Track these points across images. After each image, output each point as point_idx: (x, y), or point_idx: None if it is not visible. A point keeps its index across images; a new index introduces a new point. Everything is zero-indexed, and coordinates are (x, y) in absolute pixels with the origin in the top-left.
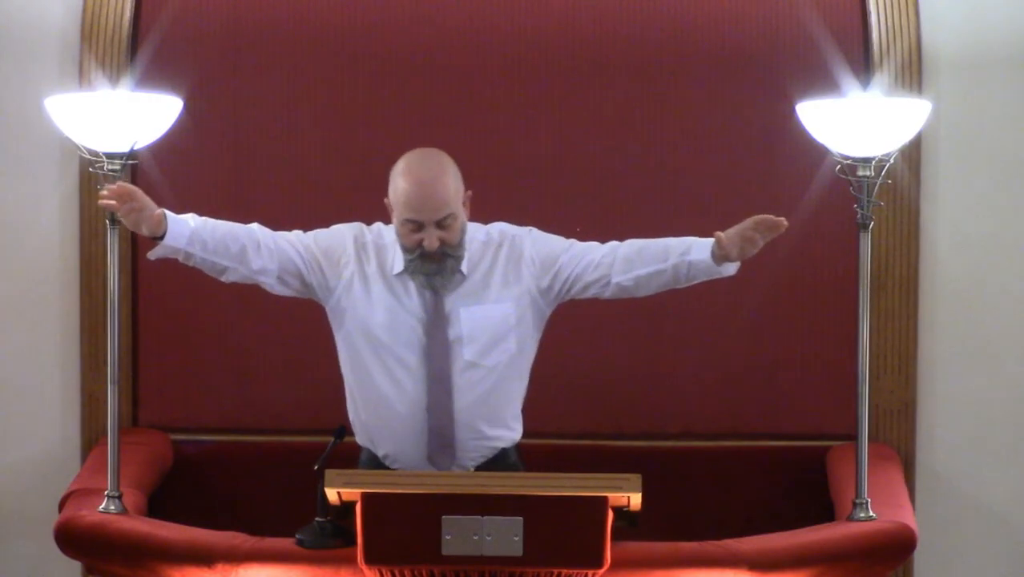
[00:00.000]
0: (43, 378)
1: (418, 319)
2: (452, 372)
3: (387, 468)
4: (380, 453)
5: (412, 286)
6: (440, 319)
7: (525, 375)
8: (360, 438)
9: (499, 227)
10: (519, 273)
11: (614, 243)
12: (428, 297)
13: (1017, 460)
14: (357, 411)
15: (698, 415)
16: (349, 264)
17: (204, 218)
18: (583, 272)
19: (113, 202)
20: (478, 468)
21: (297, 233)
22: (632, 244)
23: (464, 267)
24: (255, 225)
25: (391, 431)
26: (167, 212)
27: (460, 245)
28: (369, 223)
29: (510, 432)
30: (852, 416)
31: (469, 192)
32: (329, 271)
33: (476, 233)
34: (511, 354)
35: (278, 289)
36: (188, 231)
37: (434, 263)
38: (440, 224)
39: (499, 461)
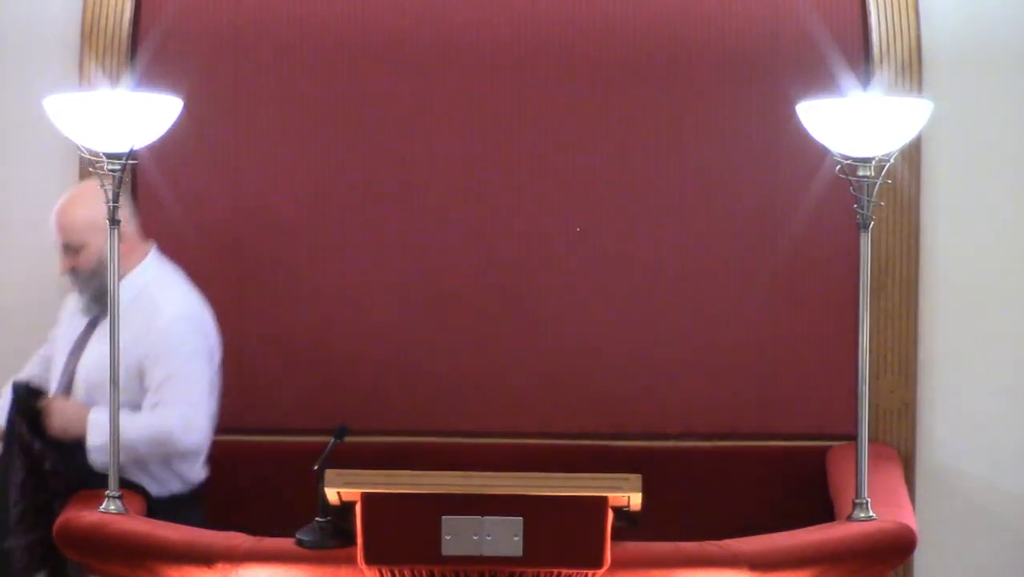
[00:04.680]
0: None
1: (70, 344)
2: None
3: None
4: None
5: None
6: (81, 346)
7: None
8: None
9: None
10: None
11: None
12: (82, 323)
13: (1017, 460)
14: None
15: (698, 415)
16: None
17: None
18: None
19: None
20: None
21: None
22: None
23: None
24: None
25: None
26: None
27: (95, 275)
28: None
29: None
30: (852, 416)
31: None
32: None
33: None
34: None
35: None
36: None
37: (78, 288)
38: (68, 248)
39: None
